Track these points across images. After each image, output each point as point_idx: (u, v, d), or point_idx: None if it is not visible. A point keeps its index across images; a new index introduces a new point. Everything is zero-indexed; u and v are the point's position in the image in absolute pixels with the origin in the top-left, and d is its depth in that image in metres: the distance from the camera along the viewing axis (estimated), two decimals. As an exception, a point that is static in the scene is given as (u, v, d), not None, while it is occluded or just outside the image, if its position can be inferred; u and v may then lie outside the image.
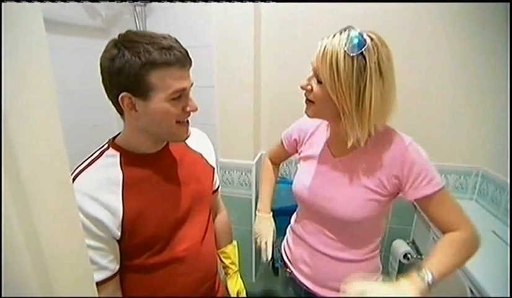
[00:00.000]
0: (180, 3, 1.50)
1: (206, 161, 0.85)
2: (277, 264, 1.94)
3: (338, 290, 0.82)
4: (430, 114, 1.55)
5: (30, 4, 0.33)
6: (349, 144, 0.70)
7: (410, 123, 1.51)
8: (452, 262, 0.67)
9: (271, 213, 1.03)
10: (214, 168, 0.88)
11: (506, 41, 1.34)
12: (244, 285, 1.03)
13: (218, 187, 0.97)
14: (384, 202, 0.73)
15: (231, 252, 0.99)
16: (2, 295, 0.32)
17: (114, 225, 0.63)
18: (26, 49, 0.34)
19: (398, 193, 0.74)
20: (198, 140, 0.84)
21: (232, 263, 0.99)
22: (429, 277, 0.62)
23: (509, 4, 1.21)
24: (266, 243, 0.93)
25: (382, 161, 0.72)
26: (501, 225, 1.31)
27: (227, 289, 0.98)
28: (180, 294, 0.75)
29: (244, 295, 1.01)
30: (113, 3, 1.59)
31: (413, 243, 1.67)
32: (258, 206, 1.06)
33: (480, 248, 0.69)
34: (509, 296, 0.83)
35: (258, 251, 1.99)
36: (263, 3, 1.57)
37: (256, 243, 0.97)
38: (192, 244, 0.76)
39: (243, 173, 1.70)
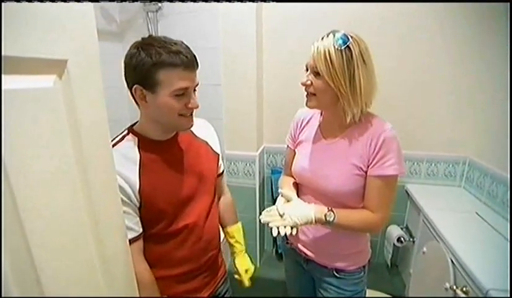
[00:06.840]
0: (189, 9, 1.62)
1: (211, 148, 0.95)
2: (280, 250, 2.07)
3: (331, 254, 0.95)
4: (425, 110, 1.66)
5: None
6: (348, 120, 0.84)
7: (406, 118, 1.65)
8: (351, 224, 0.86)
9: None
10: (218, 154, 0.97)
11: (496, 38, 1.42)
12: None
13: (222, 171, 1.06)
14: (365, 176, 0.86)
15: (235, 232, 1.05)
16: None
17: (133, 193, 0.74)
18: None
19: None
20: (204, 130, 0.95)
21: (237, 242, 1.05)
22: (331, 216, 0.83)
23: (509, 4, 1.24)
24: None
25: (363, 141, 0.85)
26: (483, 207, 1.44)
27: (236, 268, 1.04)
28: (186, 260, 0.86)
29: (252, 272, 1.04)
30: (127, 9, 1.74)
31: (407, 228, 1.80)
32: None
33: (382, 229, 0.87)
34: (509, 296, 0.86)
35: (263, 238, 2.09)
36: (264, 3, 1.68)
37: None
38: (198, 218, 0.87)
39: (248, 164, 1.82)
